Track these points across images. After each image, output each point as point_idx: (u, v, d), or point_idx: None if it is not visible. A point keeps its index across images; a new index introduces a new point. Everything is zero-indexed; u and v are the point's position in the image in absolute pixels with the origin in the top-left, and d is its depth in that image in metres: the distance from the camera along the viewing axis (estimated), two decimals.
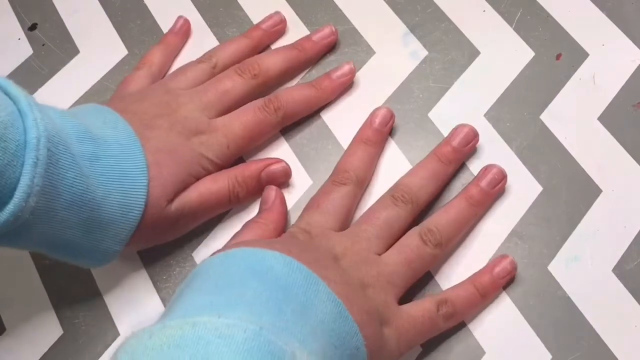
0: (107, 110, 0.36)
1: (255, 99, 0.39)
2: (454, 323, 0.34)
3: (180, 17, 0.45)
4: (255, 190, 0.38)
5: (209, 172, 0.37)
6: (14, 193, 0.28)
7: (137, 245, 0.37)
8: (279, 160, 0.38)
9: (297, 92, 0.40)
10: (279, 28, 0.43)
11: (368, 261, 0.33)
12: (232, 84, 0.39)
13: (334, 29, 0.42)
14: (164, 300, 0.37)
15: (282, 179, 0.39)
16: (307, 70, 0.43)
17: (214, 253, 0.31)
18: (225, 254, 0.30)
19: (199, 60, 0.41)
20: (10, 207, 0.28)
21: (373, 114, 0.39)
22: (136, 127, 0.35)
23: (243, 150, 0.39)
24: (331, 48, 0.43)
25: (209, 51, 0.42)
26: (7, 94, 0.30)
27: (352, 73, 0.41)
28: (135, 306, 0.37)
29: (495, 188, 0.37)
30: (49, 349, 0.37)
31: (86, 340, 0.37)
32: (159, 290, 0.38)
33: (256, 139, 0.39)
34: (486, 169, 0.37)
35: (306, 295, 0.28)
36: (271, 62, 0.40)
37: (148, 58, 0.42)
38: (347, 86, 0.41)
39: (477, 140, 0.38)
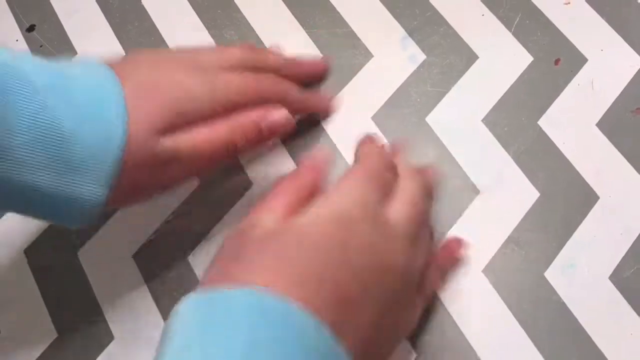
0: (92, 58, 0.32)
1: None
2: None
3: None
4: (254, 141, 0.34)
5: (199, 112, 0.32)
6: None
7: (124, 193, 0.31)
8: (280, 108, 0.34)
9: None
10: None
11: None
12: (232, 51, 0.36)
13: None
14: (159, 304, 0.37)
15: (285, 129, 0.35)
16: None
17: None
18: (259, 303, 0.24)
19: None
20: None
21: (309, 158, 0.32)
22: (117, 69, 0.31)
23: (232, 100, 0.34)
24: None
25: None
26: None
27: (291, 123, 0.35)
28: (130, 310, 0.37)
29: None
30: (44, 352, 0.37)
31: (81, 344, 0.37)
32: (154, 294, 0.38)
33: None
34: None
35: None
36: (273, 59, 0.38)
37: None
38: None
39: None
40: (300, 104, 0.38)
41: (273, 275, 0.25)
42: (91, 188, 0.29)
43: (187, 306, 0.24)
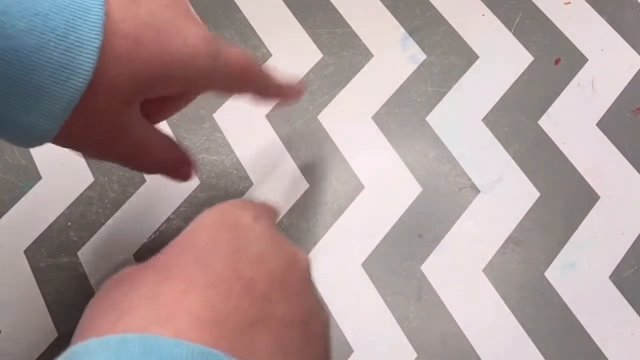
0: None
1: None
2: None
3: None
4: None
5: (196, 81, 0.26)
6: None
7: (78, 134, 0.25)
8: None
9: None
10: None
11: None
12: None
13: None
14: None
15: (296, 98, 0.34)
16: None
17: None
18: (118, 350, 0.18)
19: None
20: None
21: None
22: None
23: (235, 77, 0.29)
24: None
25: None
26: None
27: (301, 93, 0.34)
28: None
29: None
30: (44, 352, 0.37)
31: None
32: None
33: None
34: None
35: None
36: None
37: None
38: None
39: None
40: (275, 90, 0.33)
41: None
42: (39, 118, 0.24)
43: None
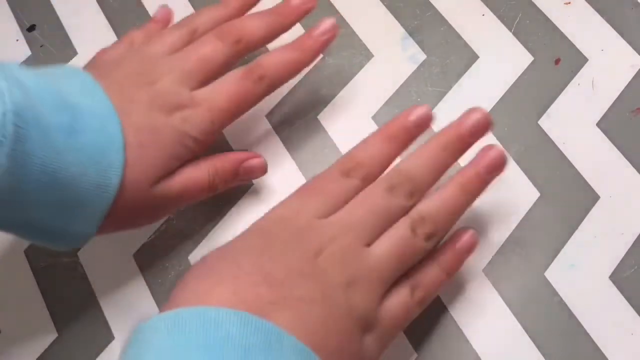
0: (85, 75, 0.33)
1: (236, 67, 0.36)
2: (426, 306, 0.32)
3: (164, 6, 0.41)
4: (231, 182, 0.37)
5: (191, 151, 0.34)
6: None
7: (112, 228, 0.33)
8: (257, 155, 0.38)
9: (280, 57, 0.36)
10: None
11: (356, 255, 0.30)
12: (213, 50, 0.35)
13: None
14: (159, 304, 0.37)
15: (258, 175, 0.38)
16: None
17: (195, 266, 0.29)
18: (174, 318, 0.25)
19: (178, 26, 0.38)
20: None
21: (410, 109, 0.34)
22: (114, 99, 0.32)
23: (227, 124, 0.36)
24: (308, 13, 0.39)
25: (188, 16, 0.39)
26: None
27: (335, 29, 0.37)
28: (130, 309, 0.37)
29: (493, 174, 0.33)
30: (44, 352, 0.37)
31: (81, 344, 0.37)
32: (154, 293, 0.38)
33: (241, 111, 0.36)
34: (485, 151, 0.33)
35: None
36: (253, 26, 0.37)
37: (130, 36, 0.39)
38: (330, 44, 0.38)
39: (491, 127, 0.34)
40: (285, 72, 0.37)
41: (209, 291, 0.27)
42: (83, 226, 0.31)
43: (126, 345, 0.26)
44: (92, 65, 0.37)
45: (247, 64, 0.36)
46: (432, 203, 0.32)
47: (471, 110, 0.33)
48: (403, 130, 0.33)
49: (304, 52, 0.37)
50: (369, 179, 0.32)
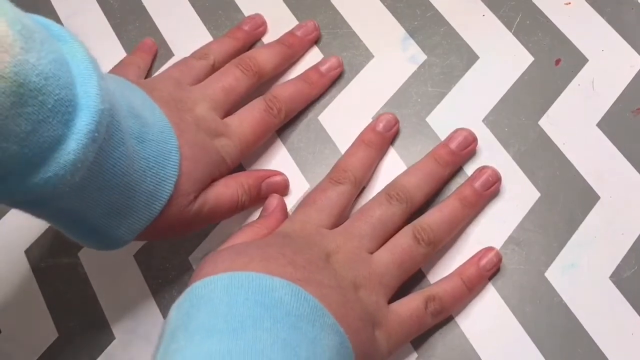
0: (141, 91, 0.34)
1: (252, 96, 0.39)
2: (442, 318, 0.34)
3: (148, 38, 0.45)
4: (256, 198, 0.38)
5: (221, 174, 0.37)
6: (54, 157, 0.25)
7: (145, 237, 0.34)
8: (280, 173, 0.39)
9: (294, 90, 0.40)
10: (261, 30, 0.44)
11: (360, 260, 0.33)
12: (236, 80, 0.39)
13: (316, 24, 0.43)
14: (159, 305, 0.37)
15: (282, 191, 0.39)
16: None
17: (205, 256, 0.32)
18: (230, 279, 0.27)
19: (197, 57, 0.40)
20: (52, 179, 0.25)
21: (378, 118, 0.39)
22: (169, 116, 0.34)
23: (250, 153, 0.39)
24: (315, 42, 0.43)
25: (203, 48, 0.41)
26: (57, 37, 0.27)
27: (341, 66, 0.42)
28: (130, 310, 0.37)
29: (488, 190, 0.37)
30: (44, 352, 0.37)
31: (81, 344, 0.37)
32: (155, 294, 0.38)
33: (262, 141, 0.39)
34: (480, 170, 0.37)
35: (314, 331, 0.27)
36: (265, 58, 0.40)
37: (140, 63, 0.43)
38: (336, 79, 0.42)
39: (476, 145, 0.38)
40: (298, 104, 0.41)
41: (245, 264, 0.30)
42: (124, 232, 0.32)
43: (177, 303, 0.28)
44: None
45: (265, 95, 0.39)
46: (434, 214, 0.35)
47: (458, 129, 0.38)
48: (374, 134, 0.39)
49: (313, 86, 0.41)
50: (358, 183, 0.37)
